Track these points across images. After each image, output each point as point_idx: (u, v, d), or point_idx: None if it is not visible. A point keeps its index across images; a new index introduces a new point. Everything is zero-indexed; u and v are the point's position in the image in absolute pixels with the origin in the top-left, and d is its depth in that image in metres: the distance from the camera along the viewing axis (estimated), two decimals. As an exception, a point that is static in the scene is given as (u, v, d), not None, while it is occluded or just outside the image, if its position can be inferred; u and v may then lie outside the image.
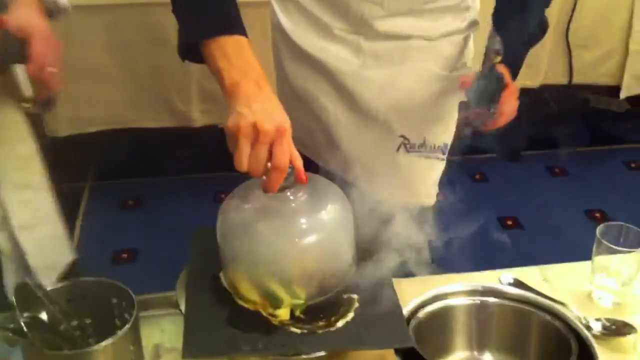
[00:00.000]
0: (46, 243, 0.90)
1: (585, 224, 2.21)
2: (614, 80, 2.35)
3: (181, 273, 0.88)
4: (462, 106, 1.11)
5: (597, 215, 2.26)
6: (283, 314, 0.76)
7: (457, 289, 0.84)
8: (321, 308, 0.78)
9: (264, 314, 0.77)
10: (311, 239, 0.77)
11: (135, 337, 0.76)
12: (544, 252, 2.04)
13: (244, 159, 0.75)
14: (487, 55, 0.98)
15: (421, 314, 0.81)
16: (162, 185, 2.30)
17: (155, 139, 2.18)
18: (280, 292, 0.77)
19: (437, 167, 1.16)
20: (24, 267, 0.87)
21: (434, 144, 1.13)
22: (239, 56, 0.80)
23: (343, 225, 0.80)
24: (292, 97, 1.13)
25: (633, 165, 2.56)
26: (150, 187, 2.29)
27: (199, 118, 2.11)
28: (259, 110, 0.75)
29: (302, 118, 1.13)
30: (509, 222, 2.21)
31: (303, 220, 0.78)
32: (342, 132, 1.13)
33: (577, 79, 2.34)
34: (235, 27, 0.82)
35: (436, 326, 0.82)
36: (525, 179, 2.47)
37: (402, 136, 1.12)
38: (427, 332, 0.80)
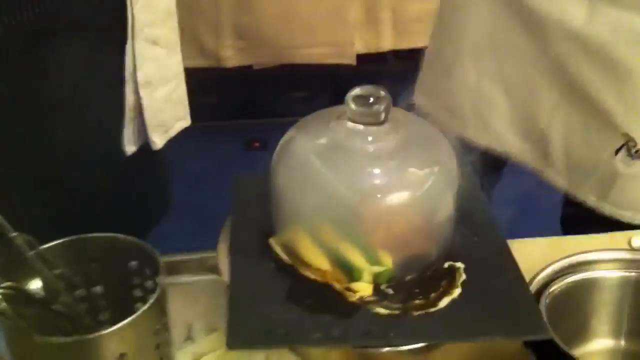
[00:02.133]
0: (167, 103, 0.82)
1: None
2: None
3: (222, 228, 0.68)
4: None
5: None
6: (364, 288, 0.55)
7: (602, 256, 0.61)
8: (415, 281, 0.57)
9: (337, 287, 0.56)
10: (404, 191, 0.56)
11: (161, 313, 0.55)
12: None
13: None
14: None
15: (553, 288, 0.59)
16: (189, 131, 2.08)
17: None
18: (359, 259, 0.56)
19: None
20: (141, 124, 0.79)
21: None
22: None
23: (445, 176, 0.59)
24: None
25: None
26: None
27: (232, 56, 1.89)
28: None
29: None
30: None
31: (394, 167, 0.57)
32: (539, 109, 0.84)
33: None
34: None
35: (571, 305, 0.60)
36: None
37: (625, 134, 0.79)
38: (560, 312, 0.58)
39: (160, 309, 0.55)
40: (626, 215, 0.81)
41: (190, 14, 1.80)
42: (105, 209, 0.78)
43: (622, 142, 0.79)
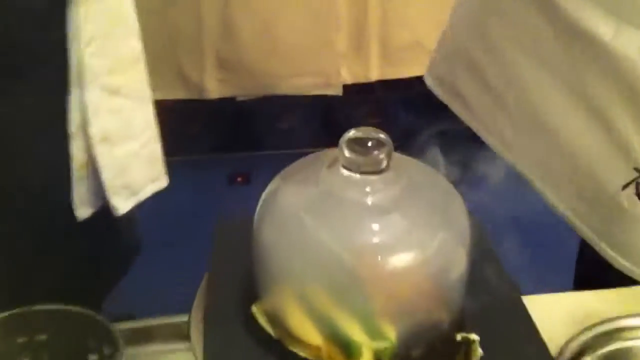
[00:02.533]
0: (135, 161, 0.72)
1: None
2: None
3: (198, 288, 0.59)
4: None
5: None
6: (363, 368, 0.47)
7: (635, 322, 0.53)
8: (423, 358, 0.49)
9: (332, 367, 0.47)
10: (409, 251, 0.48)
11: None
12: None
13: None
14: None
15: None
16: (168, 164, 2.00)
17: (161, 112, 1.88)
18: (357, 332, 0.48)
19: None
20: (97, 185, 0.68)
21: None
22: None
23: (456, 232, 0.50)
24: None
25: None
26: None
27: (214, 88, 1.82)
28: None
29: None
30: None
31: (396, 222, 0.49)
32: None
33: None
34: None
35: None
36: None
37: (637, 169, 0.68)
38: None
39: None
40: (626, 266, 0.70)
41: (170, 43, 1.73)
42: (53, 266, 0.68)
43: (632, 178, 0.68)
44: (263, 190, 0.54)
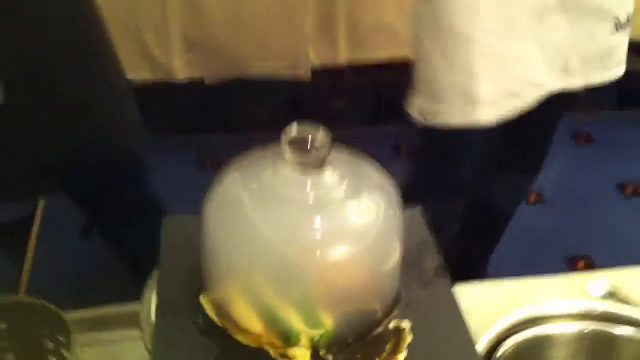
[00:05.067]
0: None
1: (615, 197, 1.96)
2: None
3: (149, 279, 0.62)
4: None
5: (629, 188, 2.01)
6: (301, 354, 0.51)
7: (555, 308, 0.58)
8: (357, 344, 0.52)
9: (272, 353, 0.51)
10: (346, 243, 0.52)
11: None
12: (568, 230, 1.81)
13: None
14: None
15: (505, 349, 0.55)
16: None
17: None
18: (296, 321, 0.51)
19: None
20: None
21: None
22: None
23: (390, 225, 0.54)
24: None
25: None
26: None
27: (181, 69, 1.82)
28: None
29: None
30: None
31: (334, 218, 0.52)
32: None
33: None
34: None
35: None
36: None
37: (615, 17, 1.04)
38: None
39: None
40: (618, 72, 1.11)
41: (135, 20, 1.72)
42: None
43: (613, 23, 1.05)
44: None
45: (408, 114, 1.09)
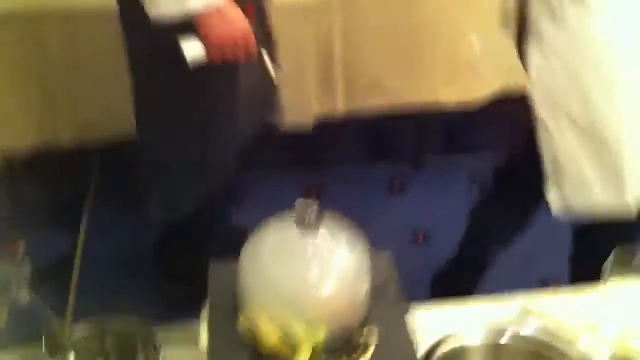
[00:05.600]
0: None
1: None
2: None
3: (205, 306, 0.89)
4: None
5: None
6: (303, 357, 0.78)
7: (468, 330, 0.85)
8: (341, 345, 0.80)
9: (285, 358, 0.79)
10: (334, 280, 0.81)
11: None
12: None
13: None
14: None
15: (437, 356, 0.83)
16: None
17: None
18: (301, 333, 0.79)
19: None
20: None
21: None
22: None
23: (362, 267, 0.82)
24: None
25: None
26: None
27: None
28: None
29: None
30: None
31: (326, 263, 0.81)
32: None
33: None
34: None
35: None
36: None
37: None
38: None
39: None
40: None
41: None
42: None
43: None
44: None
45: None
